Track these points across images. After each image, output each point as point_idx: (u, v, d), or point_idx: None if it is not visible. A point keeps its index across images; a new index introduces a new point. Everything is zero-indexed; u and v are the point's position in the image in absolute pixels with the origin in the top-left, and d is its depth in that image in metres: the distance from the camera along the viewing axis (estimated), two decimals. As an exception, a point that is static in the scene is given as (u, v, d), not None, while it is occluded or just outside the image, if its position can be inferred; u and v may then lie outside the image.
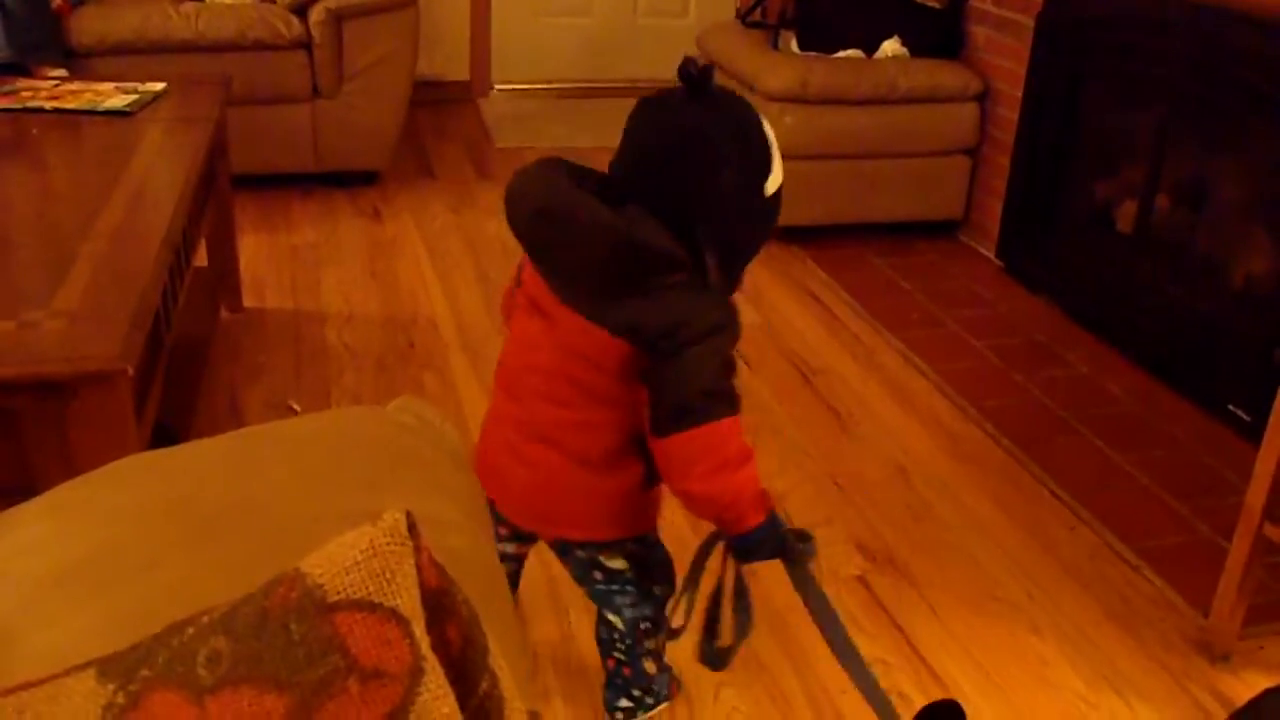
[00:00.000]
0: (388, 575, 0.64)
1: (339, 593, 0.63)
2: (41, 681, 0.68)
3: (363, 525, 0.66)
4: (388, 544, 0.64)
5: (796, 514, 2.27)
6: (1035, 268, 3.41)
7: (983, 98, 3.57)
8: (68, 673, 0.68)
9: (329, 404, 2.55)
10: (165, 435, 1.87)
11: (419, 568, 0.65)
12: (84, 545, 0.91)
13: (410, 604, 0.63)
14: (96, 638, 0.78)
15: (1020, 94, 3.40)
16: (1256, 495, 1.82)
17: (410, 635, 0.63)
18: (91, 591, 0.85)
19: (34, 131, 2.37)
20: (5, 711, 0.65)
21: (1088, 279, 3.20)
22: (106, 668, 0.67)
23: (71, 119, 2.46)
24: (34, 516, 0.97)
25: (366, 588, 0.63)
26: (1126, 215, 3.15)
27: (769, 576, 2.07)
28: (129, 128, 2.41)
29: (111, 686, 0.66)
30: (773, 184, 1.51)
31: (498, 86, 5.22)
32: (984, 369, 2.91)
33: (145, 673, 0.65)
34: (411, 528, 0.66)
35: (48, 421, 1.40)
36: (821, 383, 2.81)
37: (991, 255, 3.60)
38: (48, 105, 2.52)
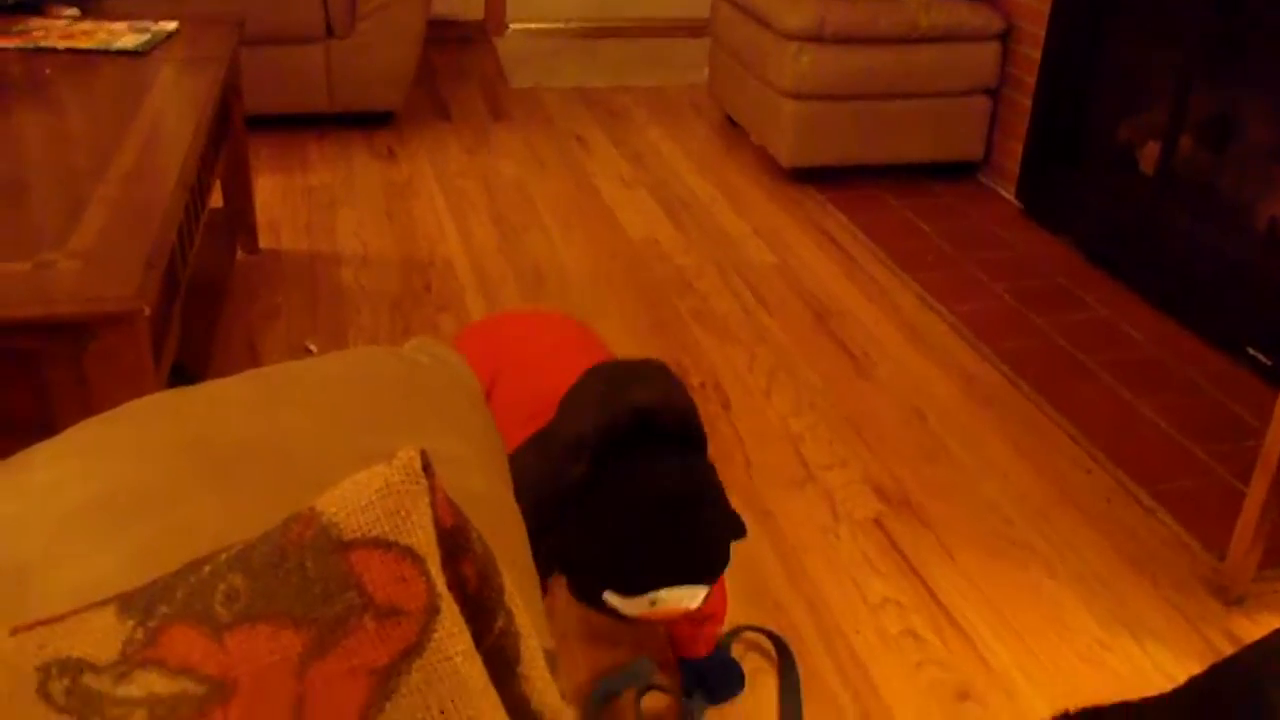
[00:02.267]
0: (403, 513, 0.64)
1: (354, 531, 0.63)
2: (62, 617, 0.68)
3: (377, 464, 0.66)
4: (402, 482, 0.64)
5: (813, 455, 2.27)
6: (1055, 209, 3.37)
7: (1005, 36, 3.51)
8: (88, 609, 0.69)
9: (345, 345, 2.56)
10: (183, 375, 1.88)
11: (434, 506, 0.66)
12: (102, 484, 0.92)
13: (425, 542, 0.64)
14: (115, 575, 0.79)
15: (1043, 32, 3.34)
16: (1276, 438, 1.81)
17: (425, 573, 0.63)
18: (110, 530, 0.86)
19: (47, 71, 2.35)
20: (26, 646, 0.66)
21: (1109, 221, 3.17)
22: (126, 604, 0.68)
23: (84, 58, 2.45)
24: (53, 456, 0.97)
25: (381, 526, 0.63)
26: (1149, 156, 3.11)
27: (784, 516, 2.09)
28: (142, 67, 2.39)
29: (131, 622, 0.66)
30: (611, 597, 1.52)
31: (513, 25, 5.16)
32: (1002, 311, 2.89)
33: (164, 609, 0.66)
34: (426, 466, 0.66)
35: (66, 362, 1.41)
36: (837, 324, 2.80)
37: (1011, 197, 3.56)
38: (60, 45, 2.51)
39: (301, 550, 0.63)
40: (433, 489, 0.66)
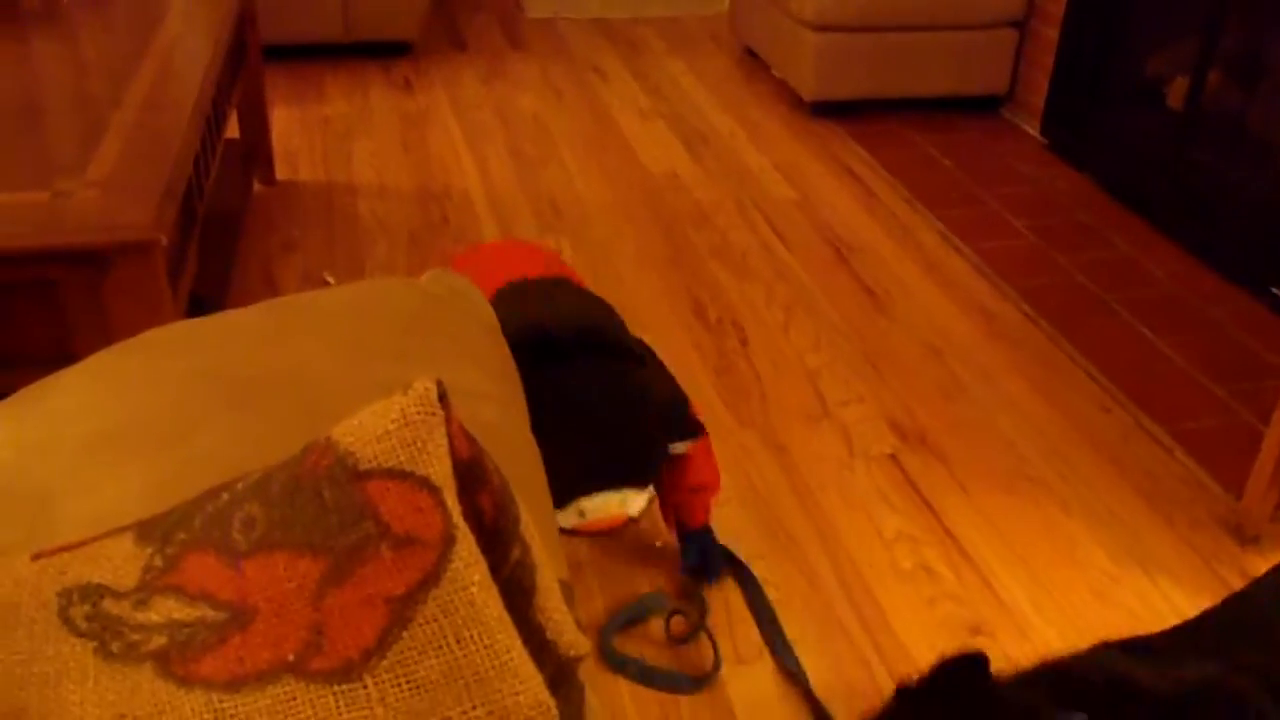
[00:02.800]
0: (419, 444, 0.64)
1: (370, 461, 0.63)
2: (82, 543, 0.69)
3: (394, 394, 0.66)
4: (418, 413, 0.64)
5: (830, 391, 2.27)
6: (1080, 145, 3.32)
7: (1032, -34, 3.44)
8: (108, 535, 0.69)
9: (362, 276, 2.55)
10: (201, 306, 1.88)
11: (450, 437, 0.66)
12: (121, 412, 0.92)
13: (441, 472, 0.64)
14: (134, 502, 0.79)
15: (1072, -37, 3.27)
16: (1297, 378, 1.80)
17: (442, 503, 0.63)
18: (129, 457, 0.86)
19: (63, 1, 2.33)
20: (48, 572, 0.67)
21: (1134, 157, 3.12)
22: (145, 531, 0.68)
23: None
24: (72, 384, 0.98)
25: (398, 456, 0.64)
26: (1177, 91, 3.05)
27: (800, 451, 2.09)
28: (157, -5, 2.37)
29: (150, 549, 0.67)
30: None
31: (531, -46, 5.08)
32: (1024, 248, 2.86)
33: (182, 536, 0.66)
34: (442, 397, 0.66)
35: (84, 291, 1.41)
36: (857, 261, 2.78)
37: (1035, 132, 3.51)
38: (74, -29, 2.48)
39: (318, 479, 0.64)
40: (449, 420, 0.66)
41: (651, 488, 1.59)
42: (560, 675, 0.69)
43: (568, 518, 1.50)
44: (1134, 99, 3.23)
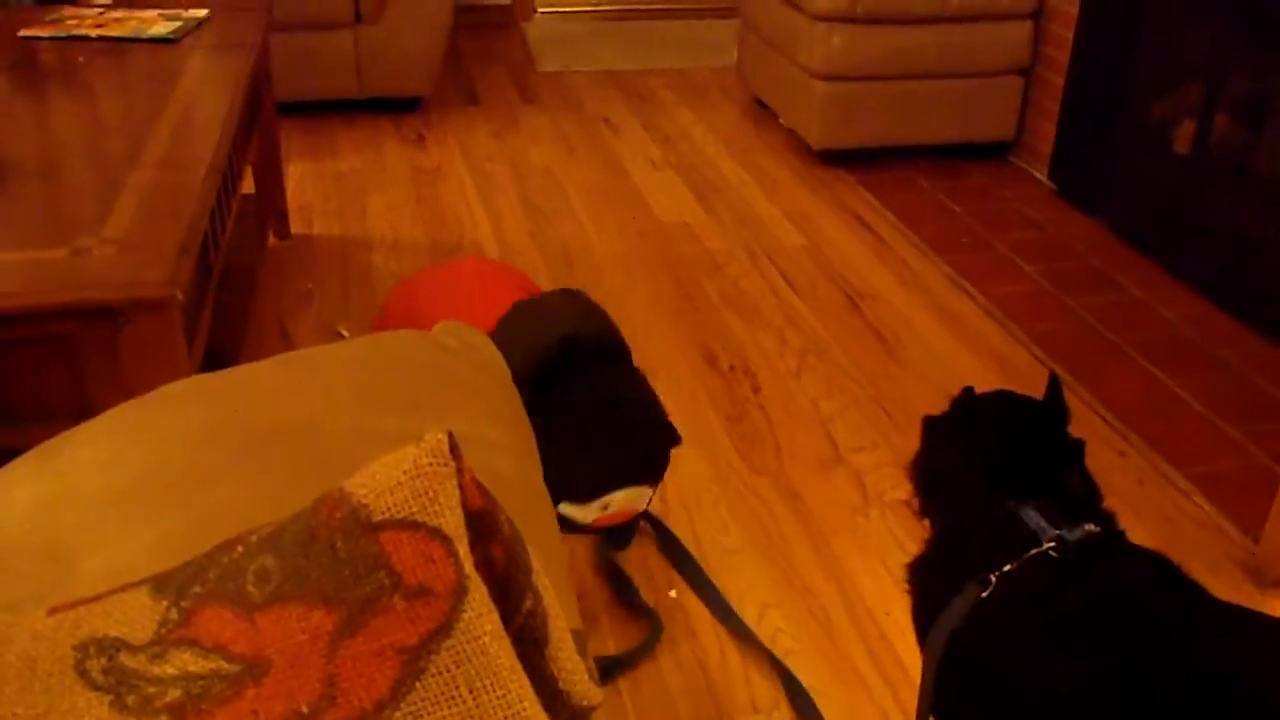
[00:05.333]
0: (431, 495, 0.64)
1: (383, 512, 0.64)
2: (98, 597, 0.69)
3: (406, 446, 0.66)
4: (430, 464, 0.65)
5: (843, 437, 2.27)
6: (1089, 190, 3.34)
7: (1037, 15, 3.48)
8: (123, 589, 0.70)
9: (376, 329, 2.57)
10: (217, 360, 1.89)
11: (462, 488, 0.66)
12: (137, 466, 0.93)
13: (453, 523, 0.64)
14: (150, 556, 0.80)
15: (1076, 10, 3.30)
16: (1312, 420, 1.79)
17: (454, 554, 0.63)
18: (145, 511, 0.87)
19: (80, 59, 2.37)
20: (64, 626, 0.67)
21: (1142, 201, 3.13)
22: (160, 584, 0.69)
23: (117, 46, 2.46)
24: (89, 439, 0.99)
25: (410, 507, 0.64)
26: (1184, 135, 3.07)
27: (814, 498, 2.08)
28: (173, 54, 2.41)
29: (165, 602, 0.67)
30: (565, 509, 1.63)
31: (541, 9, 5.16)
32: (1034, 293, 2.87)
33: (197, 589, 0.67)
34: (454, 448, 0.66)
35: (101, 346, 1.42)
36: (868, 307, 2.78)
37: (1044, 177, 3.53)
38: (93, 33, 2.53)
39: (331, 531, 0.64)
40: (460, 470, 0.66)
41: (654, 491, 1.74)
42: (574, 726, 0.69)
43: (591, 512, 1.59)
44: (1141, 143, 3.24)
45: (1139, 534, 2.03)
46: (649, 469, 1.66)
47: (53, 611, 0.69)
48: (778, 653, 1.75)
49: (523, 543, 0.70)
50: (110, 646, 0.66)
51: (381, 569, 0.63)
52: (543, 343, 1.60)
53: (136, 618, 0.67)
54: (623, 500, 1.62)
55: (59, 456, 0.97)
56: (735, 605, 1.83)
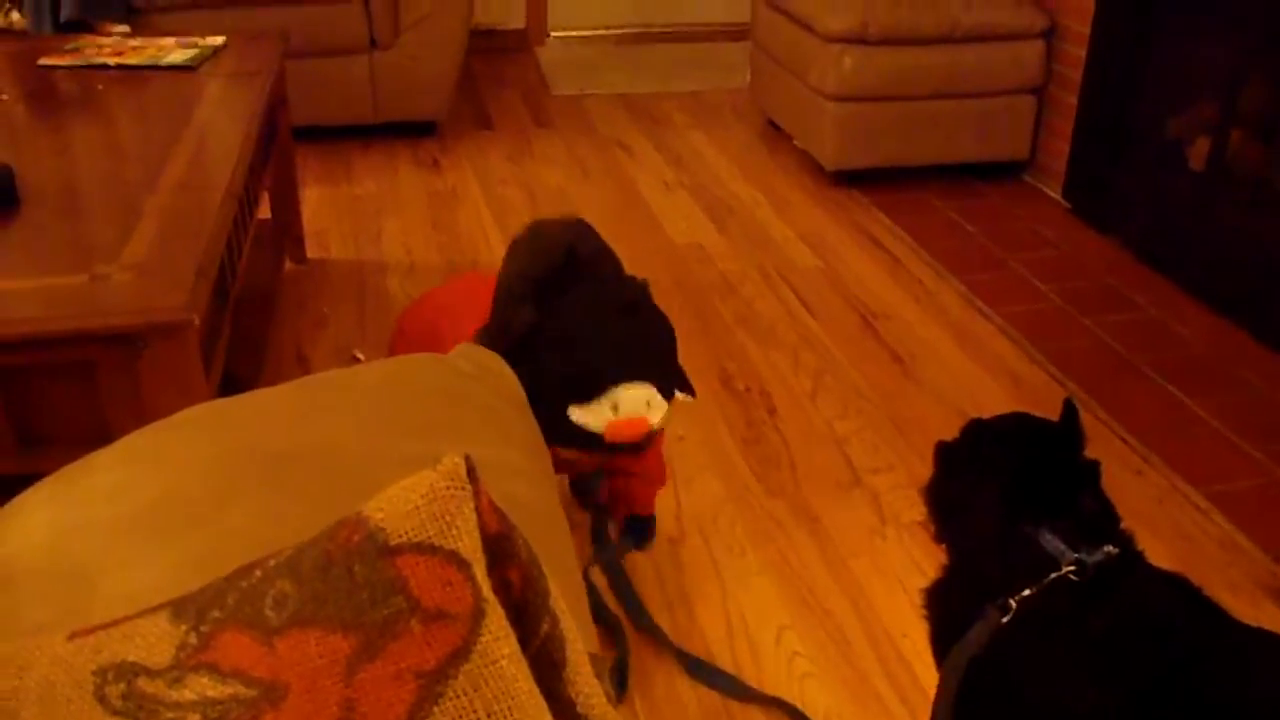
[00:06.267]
0: (447, 518, 0.65)
1: (400, 536, 0.64)
2: (117, 622, 0.70)
3: (423, 470, 0.67)
4: (447, 488, 0.65)
5: (859, 458, 2.26)
6: (1103, 208, 3.33)
7: (1049, 34, 3.48)
8: (142, 614, 0.70)
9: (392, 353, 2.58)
10: (234, 384, 1.90)
11: (479, 511, 0.66)
12: (155, 491, 0.94)
13: (471, 546, 0.64)
14: (169, 580, 0.80)
15: (1088, 29, 3.31)
16: (1331, 438, 1.78)
17: (471, 577, 0.63)
18: (164, 536, 0.87)
19: (99, 88, 2.40)
20: (83, 651, 0.68)
21: (1158, 219, 3.12)
22: (179, 609, 0.69)
23: (135, 74, 2.49)
24: (108, 464, 1.00)
25: (427, 531, 0.64)
26: (1199, 152, 3.06)
27: (831, 520, 2.08)
28: (191, 82, 2.43)
29: (184, 627, 0.67)
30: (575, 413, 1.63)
31: (554, 33, 5.19)
32: (1049, 311, 2.86)
33: (216, 614, 0.67)
34: (470, 472, 0.67)
35: (120, 371, 1.44)
36: (883, 327, 2.78)
37: (1058, 196, 3.52)
38: (112, 61, 2.55)
39: (349, 555, 0.64)
40: (477, 494, 0.67)
41: (668, 406, 1.70)
42: (591, 749, 0.69)
43: (601, 413, 1.59)
44: (1155, 161, 3.24)
45: (1158, 554, 2.02)
46: (659, 366, 1.66)
47: (72, 636, 0.69)
48: (794, 675, 1.74)
49: (539, 566, 0.70)
50: (129, 671, 0.66)
51: (399, 593, 0.63)
52: (548, 250, 1.65)
53: (155, 643, 0.67)
54: (631, 399, 1.61)
55: (78, 482, 0.97)
56: (752, 627, 1.83)
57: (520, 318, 1.56)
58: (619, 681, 1.69)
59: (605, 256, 1.71)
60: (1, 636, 0.80)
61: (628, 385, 1.60)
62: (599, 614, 1.79)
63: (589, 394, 1.59)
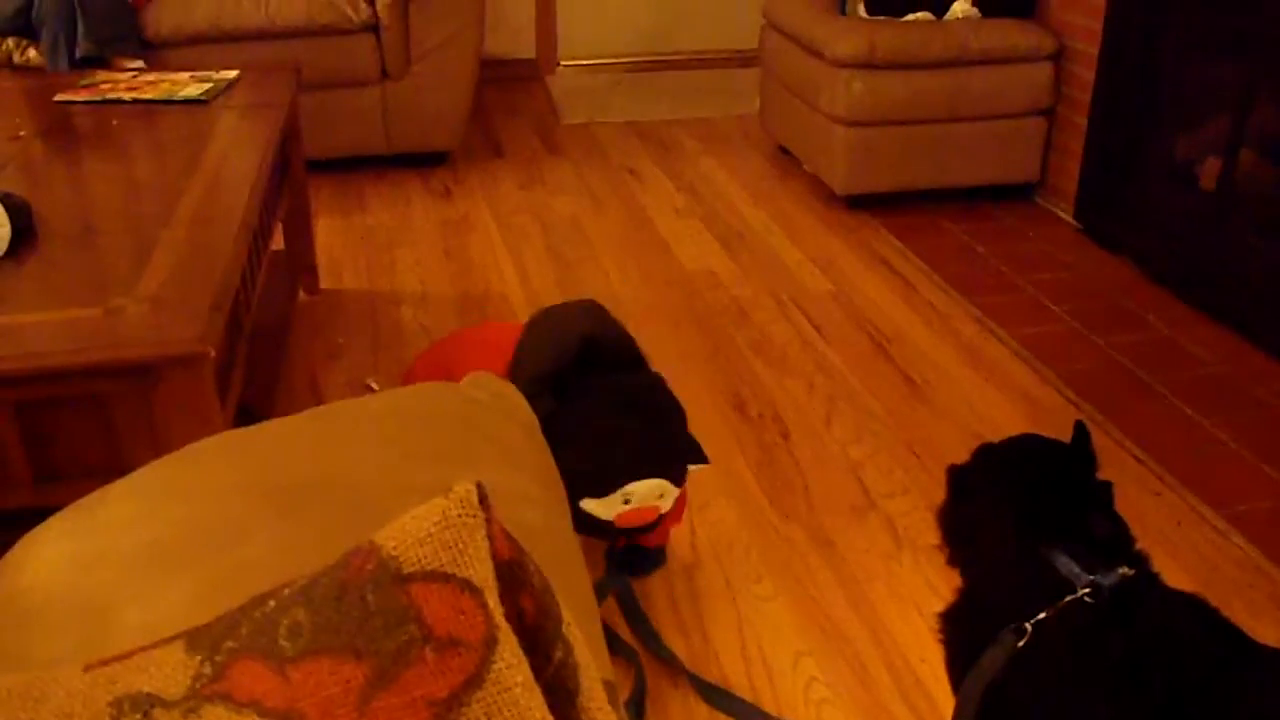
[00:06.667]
0: (460, 546, 0.65)
1: (413, 564, 0.64)
2: (133, 653, 0.70)
3: (435, 498, 0.67)
4: (459, 516, 0.65)
5: (874, 482, 2.26)
6: (1114, 229, 3.33)
7: (1058, 57, 3.49)
8: (157, 645, 0.70)
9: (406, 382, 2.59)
10: (249, 414, 1.91)
11: (491, 538, 0.66)
12: (171, 523, 0.94)
13: (483, 574, 0.64)
14: (184, 611, 0.80)
15: (1097, 51, 3.32)
16: (1349, 457, 1.77)
17: (484, 605, 0.64)
18: (179, 567, 0.88)
19: (114, 122, 2.42)
20: (99, 682, 0.68)
21: (1169, 239, 3.12)
22: (194, 640, 0.69)
23: (149, 109, 2.52)
24: (123, 495, 1.00)
25: (440, 559, 0.64)
26: (1209, 172, 3.06)
27: (846, 545, 2.07)
28: (205, 115, 2.46)
29: (199, 658, 0.68)
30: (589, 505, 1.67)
31: (564, 63, 5.23)
32: (1062, 333, 2.86)
33: (230, 644, 0.67)
34: (483, 500, 0.67)
35: (135, 403, 1.44)
36: (896, 350, 2.78)
37: (1069, 217, 3.52)
38: (126, 96, 2.58)
39: (362, 584, 0.64)
40: (489, 521, 0.67)
41: (678, 491, 1.73)
42: (606, 777, 0.68)
43: (613, 505, 1.63)
44: (1166, 181, 3.24)
45: (1176, 576, 2.01)
46: (668, 460, 1.67)
47: (88, 668, 0.70)
48: (812, 701, 1.73)
49: (552, 593, 0.70)
50: (145, 702, 0.66)
51: (412, 621, 0.63)
52: (563, 341, 1.68)
53: (171, 673, 0.67)
54: (643, 493, 1.63)
55: (95, 514, 0.98)
56: (768, 653, 1.82)
57: (537, 410, 1.58)
58: (636, 710, 1.68)
59: (620, 341, 1.73)
60: (19, 668, 0.81)
61: (641, 483, 1.63)
62: (614, 642, 1.79)
63: (603, 491, 1.61)
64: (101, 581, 0.89)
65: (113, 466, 1.30)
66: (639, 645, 1.81)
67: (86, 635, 0.82)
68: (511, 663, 0.63)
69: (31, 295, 1.61)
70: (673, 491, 1.67)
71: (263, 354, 2.41)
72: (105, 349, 1.44)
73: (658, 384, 1.75)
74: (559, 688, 0.67)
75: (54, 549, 0.94)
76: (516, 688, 0.62)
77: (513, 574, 0.67)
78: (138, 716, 0.66)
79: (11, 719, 0.65)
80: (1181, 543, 2.09)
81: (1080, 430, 1.40)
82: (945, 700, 1.73)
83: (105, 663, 0.70)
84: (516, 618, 0.67)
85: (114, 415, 1.45)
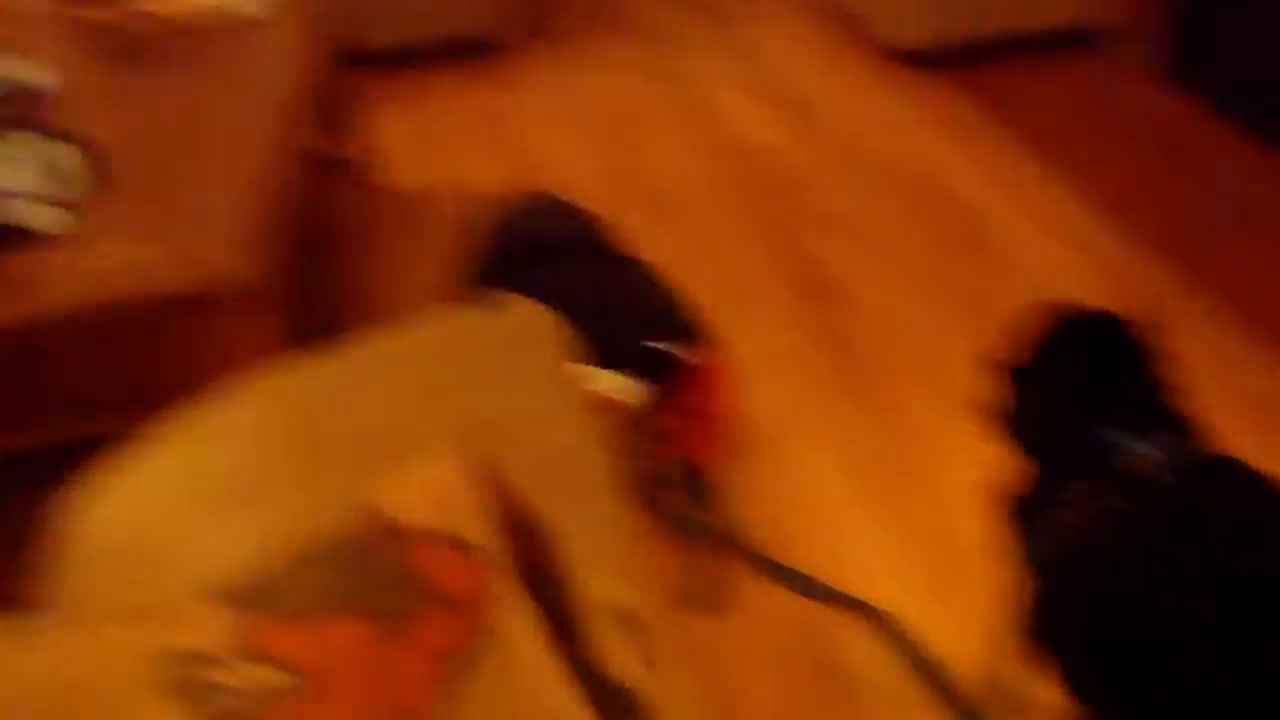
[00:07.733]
0: (463, 504, 0.67)
1: (418, 524, 0.67)
2: (171, 610, 0.74)
3: (438, 458, 0.69)
4: (460, 474, 0.68)
5: (941, 353, 2.24)
6: (1208, 75, 3.16)
7: (1132, -114, 3.28)
8: (195, 601, 0.75)
9: (460, 282, 2.61)
10: (314, 330, 1.95)
11: (495, 493, 0.69)
12: (221, 468, 0.99)
13: (485, 531, 0.67)
14: (232, 561, 0.85)
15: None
16: None
17: (488, 559, 0.66)
18: (223, 516, 0.92)
19: (157, 40, 2.42)
20: (139, 637, 0.72)
21: (1270, 88, 2.95)
22: (228, 597, 0.73)
23: (200, 27, 2.51)
24: (182, 437, 1.05)
25: (444, 518, 0.67)
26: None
27: (912, 417, 2.06)
28: (252, 26, 2.44)
29: (232, 615, 0.72)
30: None
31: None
32: (1148, 191, 2.75)
33: (260, 603, 0.71)
34: (486, 458, 0.69)
35: (195, 334, 1.48)
36: (964, 217, 2.71)
37: (1156, 65, 3.35)
38: (176, 16, 2.57)
39: (370, 544, 0.67)
40: (493, 475, 0.69)
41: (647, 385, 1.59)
42: (619, 709, 0.71)
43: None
44: (1263, 25, 3.05)
45: (1263, 453, 1.97)
46: (609, 352, 1.54)
47: (129, 622, 0.74)
48: (876, 576, 1.76)
49: (558, 539, 0.72)
50: (184, 658, 0.71)
51: (419, 579, 0.66)
52: (481, 239, 1.74)
53: (206, 629, 0.72)
54: (592, 377, 1.51)
55: (155, 457, 1.03)
56: (831, 528, 1.84)
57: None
58: (707, 599, 1.71)
59: (577, 231, 1.68)
60: (79, 612, 0.86)
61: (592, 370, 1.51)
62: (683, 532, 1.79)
63: None
64: (156, 527, 0.94)
65: (172, 396, 1.34)
66: (704, 533, 1.84)
67: (141, 582, 0.87)
68: (516, 613, 0.65)
69: (89, 229, 1.64)
70: (631, 385, 1.54)
71: (320, 267, 2.44)
72: (159, 281, 1.47)
73: (608, 273, 1.65)
74: (566, 631, 0.70)
75: (115, 494, 0.99)
76: (522, 636, 0.65)
77: (516, 526, 0.70)
78: (177, 671, 0.70)
79: (54, 670, 0.70)
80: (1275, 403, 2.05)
81: (1146, 306, 1.37)
82: (1010, 579, 1.75)
83: (145, 618, 0.74)
84: (521, 567, 0.69)
85: (173, 346, 1.49)
